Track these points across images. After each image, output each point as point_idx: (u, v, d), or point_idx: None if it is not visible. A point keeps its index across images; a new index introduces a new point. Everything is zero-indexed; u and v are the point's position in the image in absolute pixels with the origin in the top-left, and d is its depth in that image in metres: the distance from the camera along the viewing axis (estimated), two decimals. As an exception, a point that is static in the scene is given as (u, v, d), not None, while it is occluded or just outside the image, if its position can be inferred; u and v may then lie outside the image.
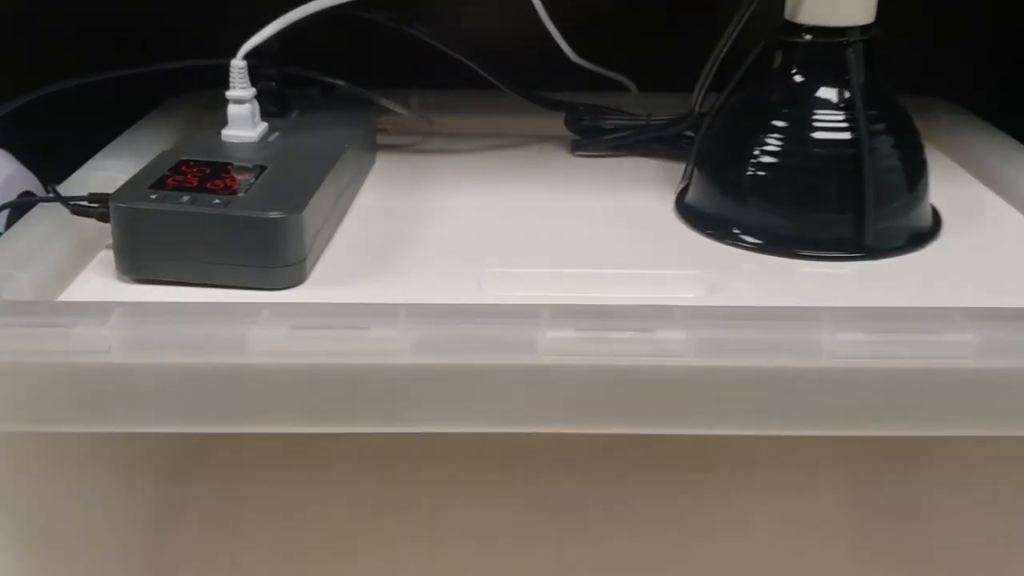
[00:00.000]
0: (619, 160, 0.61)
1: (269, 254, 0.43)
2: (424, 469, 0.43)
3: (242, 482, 0.47)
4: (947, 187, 0.56)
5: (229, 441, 0.44)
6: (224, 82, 0.51)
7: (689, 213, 0.52)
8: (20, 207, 0.51)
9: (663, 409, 0.37)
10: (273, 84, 0.55)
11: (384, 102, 0.60)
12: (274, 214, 0.43)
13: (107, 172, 0.52)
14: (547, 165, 0.60)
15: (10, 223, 0.49)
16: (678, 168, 0.57)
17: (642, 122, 0.60)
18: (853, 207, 0.48)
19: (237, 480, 0.47)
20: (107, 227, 0.45)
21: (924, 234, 0.50)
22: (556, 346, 0.37)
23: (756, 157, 0.49)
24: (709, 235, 0.50)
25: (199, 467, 0.48)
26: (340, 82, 0.59)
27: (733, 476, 0.44)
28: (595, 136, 0.61)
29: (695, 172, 0.53)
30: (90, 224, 0.47)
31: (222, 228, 0.43)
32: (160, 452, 0.49)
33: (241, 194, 0.44)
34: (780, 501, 0.44)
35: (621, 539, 0.45)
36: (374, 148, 0.60)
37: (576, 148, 0.62)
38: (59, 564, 0.49)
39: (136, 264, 0.44)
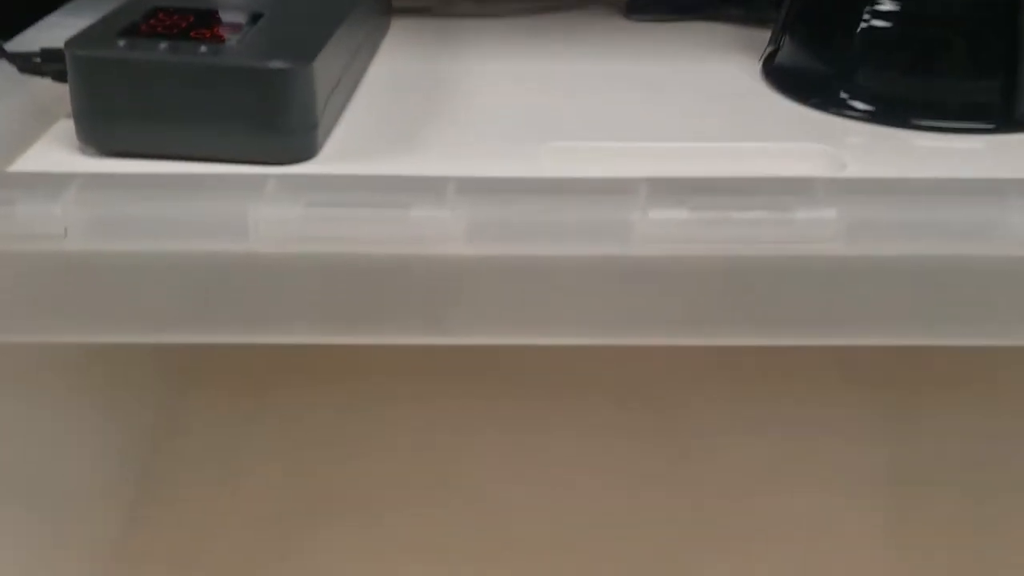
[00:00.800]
0: (682, 25, 0.51)
1: (271, 116, 0.34)
2: (482, 391, 0.34)
3: (244, 398, 0.38)
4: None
5: (228, 350, 0.35)
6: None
7: (782, 78, 0.43)
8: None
9: (803, 313, 0.29)
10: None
11: (401, -48, 0.50)
12: (277, 64, 0.33)
13: (67, 30, 0.43)
14: (597, 30, 0.50)
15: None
16: (755, 34, 0.48)
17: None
18: (998, 69, 0.39)
19: (238, 397, 0.39)
20: (66, 89, 0.35)
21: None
22: (661, 231, 0.28)
23: (873, 5, 0.40)
24: (810, 104, 0.41)
25: (191, 381, 0.39)
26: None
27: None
28: (654, -5, 0.51)
29: (789, 30, 0.43)
30: (44, 86, 0.37)
31: (211, 82, 0.33)
32: (145, 363, 0.41)
33: (233, 42, 0.35)
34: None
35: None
36: (388, 9, 0.51)
37: (630, 11, 0.52)
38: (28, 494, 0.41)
39: (101, 131, 0.35)
